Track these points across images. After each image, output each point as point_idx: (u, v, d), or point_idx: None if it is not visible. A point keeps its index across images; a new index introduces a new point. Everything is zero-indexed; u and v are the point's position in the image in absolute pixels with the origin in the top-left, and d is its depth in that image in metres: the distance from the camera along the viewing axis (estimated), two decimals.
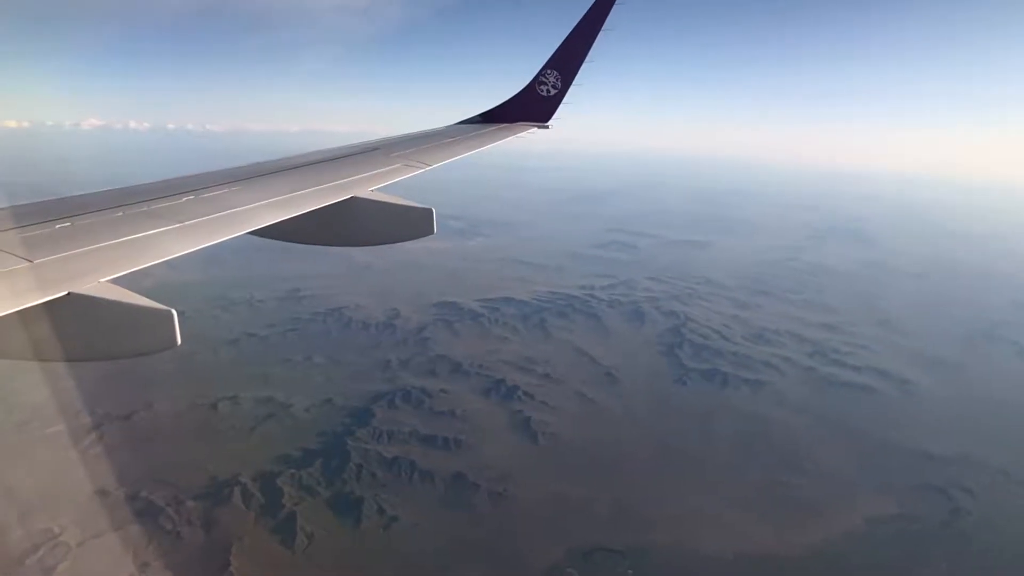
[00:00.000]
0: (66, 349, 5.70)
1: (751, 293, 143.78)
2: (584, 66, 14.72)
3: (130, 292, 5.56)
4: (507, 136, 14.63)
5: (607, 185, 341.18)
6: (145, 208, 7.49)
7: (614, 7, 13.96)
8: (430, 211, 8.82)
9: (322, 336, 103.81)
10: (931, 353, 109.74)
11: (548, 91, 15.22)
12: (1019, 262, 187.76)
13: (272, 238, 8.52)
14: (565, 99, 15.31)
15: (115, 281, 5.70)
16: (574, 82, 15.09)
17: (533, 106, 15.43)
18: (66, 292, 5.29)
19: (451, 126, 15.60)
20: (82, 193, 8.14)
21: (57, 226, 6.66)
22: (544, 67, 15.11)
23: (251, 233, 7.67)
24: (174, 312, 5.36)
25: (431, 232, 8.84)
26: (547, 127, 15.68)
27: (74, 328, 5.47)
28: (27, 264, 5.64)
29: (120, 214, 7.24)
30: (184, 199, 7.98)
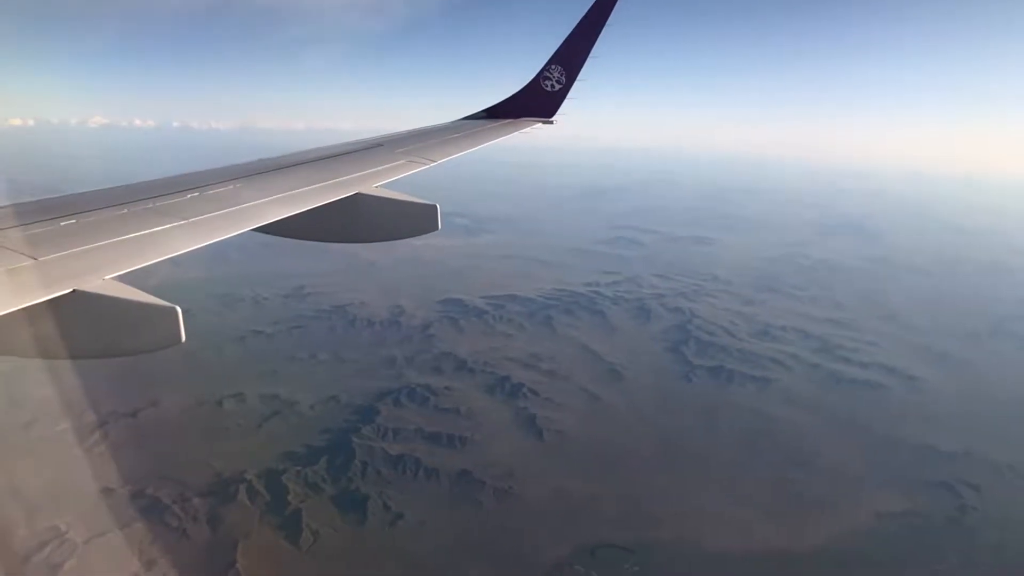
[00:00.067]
0: (71, 347, 5.69)
1: (757, 289, 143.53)
2: (588, 61, 14.70)
3: (135, 289, 5.55)
4: (512, 132, 14.62)
5: (612, 182, 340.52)
6: (150, 205, 7.49)
7: (618, 2, 13.94)
8: (434, 207, 8.81)
9: (327, 333, 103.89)
10: (937, 348, 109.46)
11: (553, 86, 15.19)
12: (1023, 256, 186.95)
13: (277, 235, 8.51)
14: (570, 94, 15.28)
15: (120, 278, 5.70)
16: (578, 77, 15.05)
17: (538, 101, 15.40)
18: (71, 289, 5.29)
19: (455, 122, 15.58)
20: (86, 190, 8.15)
21: (62, 223, 6.66)
22: (548, 62, 15.09)
23: (256, 230, 7.67)
24: (179, 309, 5.35)
25: (436, 228, 8.84)
26: (552, 122, 15.66)
27: (79, 325, 5.47)
28: (32, 262, 5.64)
29: (125, 211, 7.23)
30: (189, 196, 7.97)
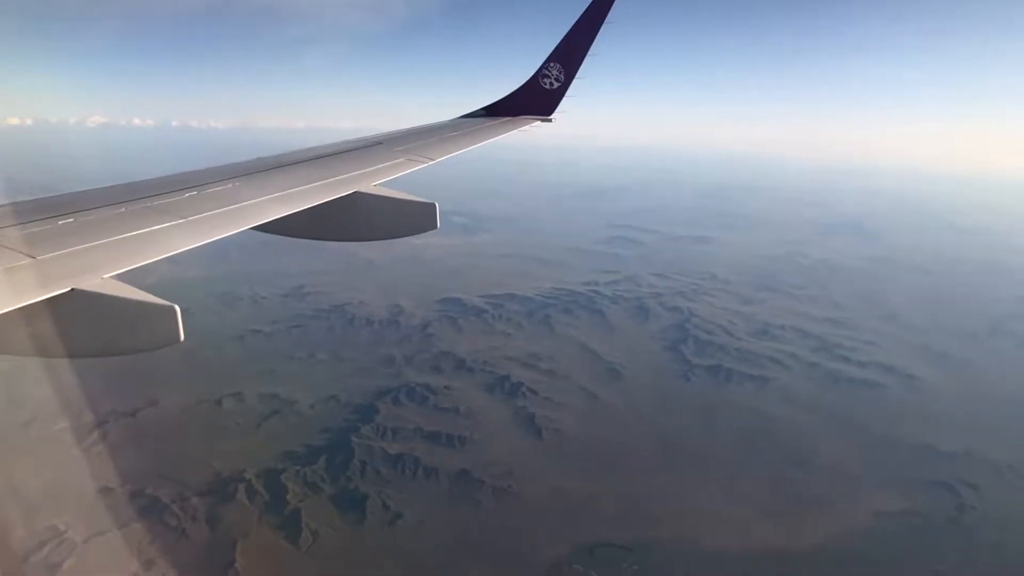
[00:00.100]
0: (70, 345, 5.69)
1: (755, 289, 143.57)
2: (587, 59, 14.68)
3: (133, 288, 5.54)
4: (511, 130, 14.61)
5: (612, 180, 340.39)
6: (148, 204, 7.48)
7: (616, 0, 13.93)
8: (433, 206, 8.81)
9: (326, 333, 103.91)
10: (936, 348, 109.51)
11: (551, 84, 15.18)
12: (1022, 256, 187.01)
13: (275, 233, 8.51)
14: (568, 92, 15.27)
15: (118, 277, 5.70)
16: (577, 75, 15.05)
17: (536, 99, 15.39)
18: (69, 288, 5.29)
19: (454, 120, 15.57)
20: (85, 189, 8.13)
21: (60, 222, 6.65)
22: (547, 60, 15.08)
23: (254, 228, 7.66)
24: (177, 308, 5.35)
25: (434, 227, 8.84)
26: (550, 120, 15.64)
27: (78, 324, 5.47)
28: (30, 260, 5.63)
29: (123, 210, 7.22)
30: (187, 195, 7.96)
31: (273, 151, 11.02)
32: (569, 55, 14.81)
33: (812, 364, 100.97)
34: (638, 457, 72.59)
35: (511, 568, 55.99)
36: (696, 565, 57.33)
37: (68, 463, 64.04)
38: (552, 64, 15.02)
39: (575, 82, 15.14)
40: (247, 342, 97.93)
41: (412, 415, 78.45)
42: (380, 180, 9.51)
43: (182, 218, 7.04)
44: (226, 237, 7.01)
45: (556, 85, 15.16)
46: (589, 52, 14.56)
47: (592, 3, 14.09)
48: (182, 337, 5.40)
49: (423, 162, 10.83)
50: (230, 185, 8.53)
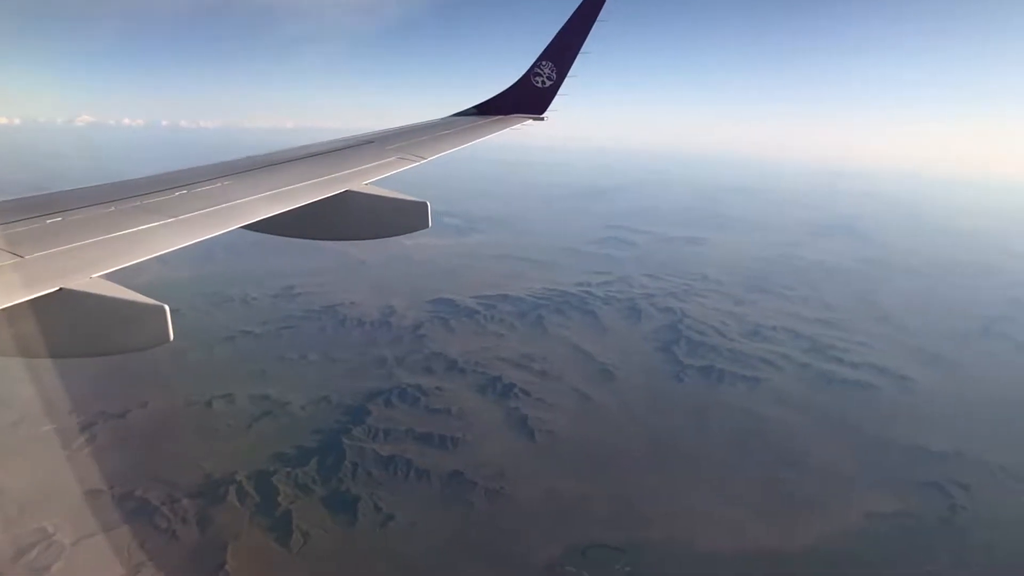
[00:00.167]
0: (58, 345, 5.64)
1: (748, 290, 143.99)
2: (580, 58, 14.63)
3: (122, 288, 5.49)
4: (503, 128, 14.56)
5: (604, 181, 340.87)
6: (137, 203, 7.41)
7: None
8: (425, 204, 8.78)
9: (317, 333, 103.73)
10: (928, 349, 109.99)
11: (543, 82, 15.13)
12: (1016, 258, 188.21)
13: (266, 232, 8.45)
14: (561, 91, 15.22)
15: (107, 277, 5.65)
16: (569, 74, 15.00)
17: (528, 98, 15.34)
18: (57, 288, 5.23)
19: (445, 118, 15.52)
20: (74, 188, 8.06)
21: (48, 221, 6.58)
22: (539, 58, 15.02)
23: (245, 227, 7.60)
24: (166, 307, 5.30)
25: (426, 226, 8.81)
26: (542, 119, 15.58)
27: (66, 324, 5.42)
28: (17, 260, 5.56)
29: (112, 209, 7.15)
30: (177, 194, 7.90)
31: (263, 150, 10.96)
32: (561, 53, 14.76)
33: (804, 365, 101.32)
34: (631, 458, 72.69)
35: (504, 570, 55.98)
36: (688, 566, 57.43)
37: (57, 465, 63.71)
38: (544, 62, 14.97)
39: (567, 80, 15.09)
40: (238, 343, 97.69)
41: (404, 416, 78.38)
42: (371, 179, 9.46)
43: (172, 217, 6.98)
44: (216, 236, 6.95)
45: (548, 83, 15.11)
46: (581, 50, 14.53)
47: (584, 1, 14.06)
48: (171, 337, 5.36)
49: (415, 161, 10.78)
50: (220, 184, 8.47)
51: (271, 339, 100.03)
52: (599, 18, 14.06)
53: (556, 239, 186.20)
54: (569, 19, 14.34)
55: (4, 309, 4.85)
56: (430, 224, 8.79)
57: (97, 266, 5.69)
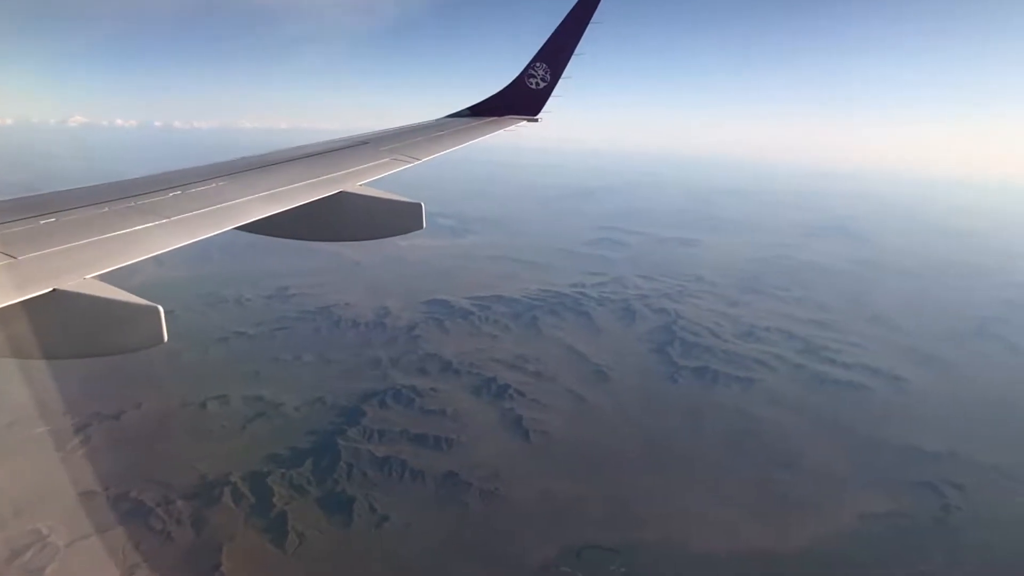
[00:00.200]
0: (52, 346, 5.63)
1: (742, 291, 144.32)
2: (574, 60, 14.66)
3: (116, 288, 5.50)
4: (497, 129, 14.58)
5: (598, 182, 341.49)
6: (132, 203, 7.40)
7: (603, 0, 13.93)
8: (419, 205, 8.79)
9: (312, 334, 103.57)
10: (922, 350, 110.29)
11: (537, 84, 15.15)
12: (1009, 259, 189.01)
13: (260, 233, 8.44)
14: (555, 92, 15.24)
15: (101, 278, 5.64)
16: (564, 75, 15.02)
17: (522, 99, 15.36)
18: (51, 289, 5.22)
19: (440, 120, 15.52)
20: (67, 188, 8.04)
21: (42, 222, 6.56)
22: (533, 60, 15.04)
23: (239, 228, 7.60)
24: (160, 308, 5.30)
25: (420, 227, 8.81)
26: (536, 120, 15.60)
27: (60, 325, 5.41)
28: (11, 260, 5.55)
29: (106, 210, 7.14)
30: (171, 194, 7.89)
31: (257, 151, 10.95)
32: (555, 55, 14.78)
33: (798, 366, 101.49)
34: (625, 459, 72.72)
35: (498, 570, 55.91)
36: (683, 567, 57.42)
37: (51, 466, 63.54)
38: (538, 64, 14.99)
39: (561, 82, 15.12)
40: (232, 344, 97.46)
41: (398, 417, 78.29)
42: (366, 180, 9.47)
43: (166, 218, 6.97)
44: (210, 237, 6.94)
45: (542, 85, 15.13)
46: (575, 52, 14.55)
47: (578, 3, 14.08)
48: (166, 338, 5.36)
49: (409, 162, 10.79)
50: (214, 185, 8.46)
51: (265, 340, 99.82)
52: (593, 20, 14.09)
53: (550, 240, 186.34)
54: (563, 21, 14.37)
55: None
56: (424, 225, 8.79)
57: (91, 267, 5.68)
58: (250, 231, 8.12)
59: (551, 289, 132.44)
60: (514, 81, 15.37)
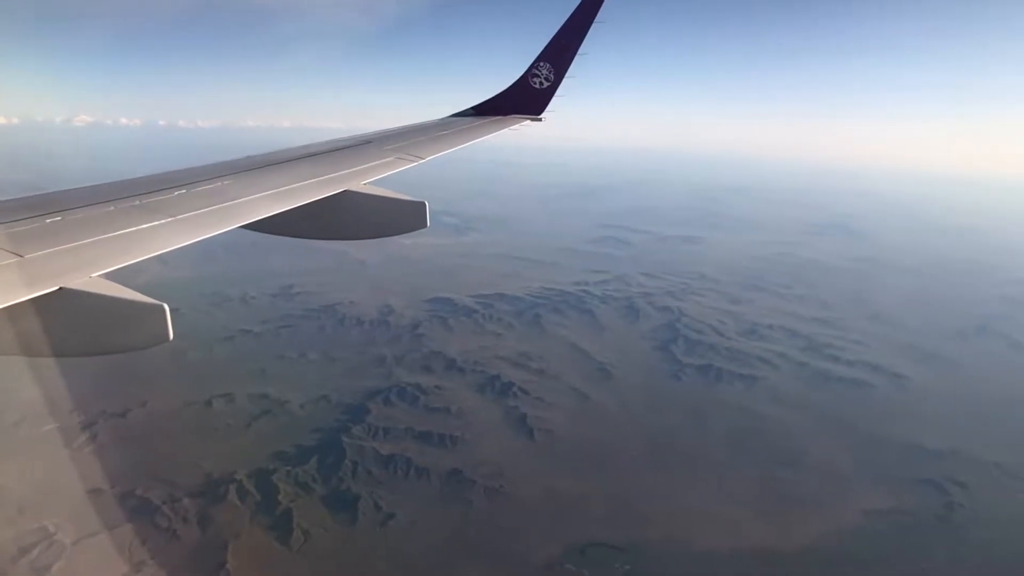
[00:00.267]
0: (58, 345, 5.66)
1: (745, 288, 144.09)
2: (578, 59, 14.65)
3: (122, 287, 5.53)
4: (500, 129, 14.59)
5: (601, 180, 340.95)
6: (137, 202, 7.44)
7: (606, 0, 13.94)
8: (423, 204, 8.82)
9: (316, 333, 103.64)
10: (924, 347, 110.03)
11: (541, 83, 15.15)
12: (1010, 256, 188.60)
13: (265, 232, 8.49)
14: (558, 92, 15.25)
15: (107, 276, 5.67)
16: (567, 75, 15.03)
17: (526, 99, 15.36)
18: (57, 287, 5.26)
19: (443, 119, 15.54)
20: (73, 187, 8.09)
21: (48, 221, 6.60)
22: (536, 60, 15.04)
23: (243, 227, 7.64)
24: (166, 306, 5.34)
25: (424, 226, 8.85)
26: (540, 120, 15.59)
27: (66, 323, 5.44)
28: (17, 259, 5.59)
29: (111, 208, 7.18)
30: (176, 193, 7.92)
31: (261, 150, 10.98)
32: (559, 54, 14.78)
33: (801, 363, 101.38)
34: (629, 457, 72.70)
35: (503, 568, 55.93)
36: (687, 564, 57.41)
37: (57, 464, 63.69)
38: (542, 63, 15.00)
39: (565, 81, 15.11)
40: (237, 342, 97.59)
41: (403, 415, 78.36)
42: (370, 179, 9.49)
43: (171, 217, 7.01)
44: (215, 236, 6.97)
45: (546, 84, 15.13)
46: (579, 51, 14.56)
47: (582, 2, 14.09)
48: (171, 336, 5.40)
49: (413, 161, 10.81)
50: (219, 183, 8.50)
51: (270, 338, 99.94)
52: (596, 19, 14.11)
53: (553, 238, 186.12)
54: (566, 21, 14.37)
55: (4, 308, 4.87)
56: (428, 224, 8.83)
57: (97, 265, 5.71)
58: (254, 230, 8.15)
59: (554, 287, 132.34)
60: (518, 81, 15.38)
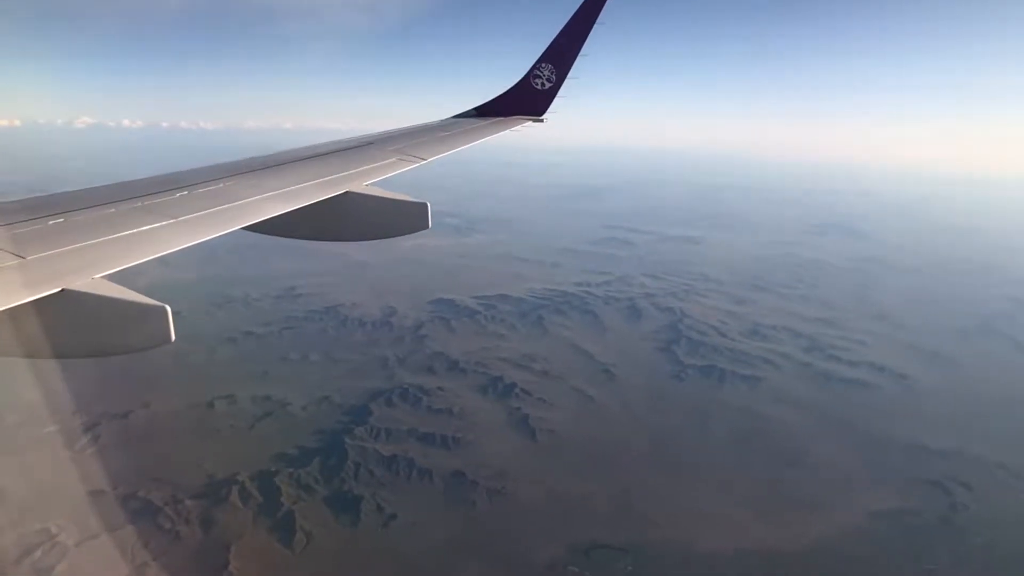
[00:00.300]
0: (60, 346, 5.65)
1: (747, 289, 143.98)
2: (579, 60, 14.68)
3: (124, 288, 5.52)
4: (502, 130, 14.59)
5: (603, 181, 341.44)
6: (139, 204, 7.44)
7: (608, 1, 13.93)
8: (425, 205, 8.81)
9: (319, 334, 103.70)
10: (927, 348, 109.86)
11: (543, 84, 15.16)
12: (1014, 256, 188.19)
13: (267, 233, 8.48)
14: (560, 93, 15.26)
15: (109, 278, 5.66)
16: (569, 76, 15.04)
17: (528, 100, 15.38)
18: (59, 289, 5.25)
19: (446, 120, 15.56)
20: (75, 189, 8.09)
21: (50, 222, 6.61)
22: (538, 60, 15.06)
23: (246, 228, 7.63)
24: (168, 308, 5.32)
25: (426, 227, 8.83)
26: (542, 121, 15.62)
27: (68, 325, 5.43)
28: (20, 260, 5.59)
29: (113, 210, 7.18)
30: (178, 194, 7.93)
31: (264, 151, 10.98)
32: (561, 55, 14.80)
33: (804, 364, 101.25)
34: (631, 458, 72.62)
35: (506, 570, 55.91)
36: (690, 566, 57.31)
37: (60, 465, 63.76)
38: (544, 64, 15.01)
39: (567, 82, 15.13)
40: (239, 344, 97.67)
41: (405, 416, 78.36)
42: (372, 180, 9.50)
43: (173, 218, 7.01)
44: (217, 237, 6.97)
45: (548, 85, 15.14)
46: (581, 53, 14.56)
47: (583, 3, 14.09)
48: (173, 337, 5.38)
49: (415, 162, 10.81)
50: (221, 185, 8.50)
51: (273, 340, 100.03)
52: (598, 21, 14.10)
53: (555, 239, 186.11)
54: (568, 22, 14.38)
55: (6, 310, 4.87)
56: (430, 225, 8.81)
57: (99, 267, 5.71)
58: (257, 231, 8.15)
59: (557, 288, 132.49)
60: (520, 82, 15.40)
